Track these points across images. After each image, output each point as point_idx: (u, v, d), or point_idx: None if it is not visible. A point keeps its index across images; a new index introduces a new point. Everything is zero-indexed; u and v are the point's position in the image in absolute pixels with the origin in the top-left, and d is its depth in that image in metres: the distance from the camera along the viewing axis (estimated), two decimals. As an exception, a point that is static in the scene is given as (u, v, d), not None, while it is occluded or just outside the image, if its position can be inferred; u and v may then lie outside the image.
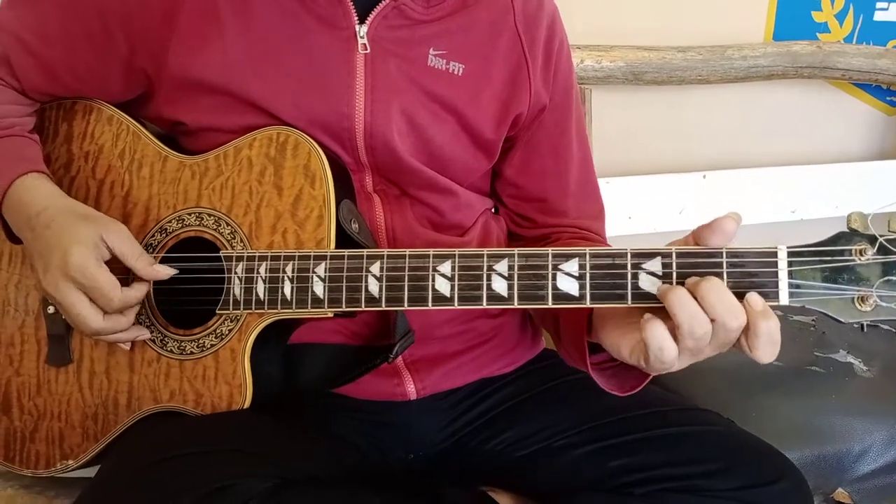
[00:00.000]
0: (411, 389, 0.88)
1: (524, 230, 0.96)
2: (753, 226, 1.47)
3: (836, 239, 0.63)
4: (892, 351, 1.24)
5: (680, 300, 0.62)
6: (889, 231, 0.62)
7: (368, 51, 0.82)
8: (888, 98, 1.81)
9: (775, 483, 0.80)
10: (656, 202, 1.40)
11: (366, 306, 0.74)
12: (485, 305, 0.70)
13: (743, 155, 1.64)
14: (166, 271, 0.78)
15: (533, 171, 0.94)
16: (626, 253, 0.67)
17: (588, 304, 0.67)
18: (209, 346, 0.80)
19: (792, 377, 1.16)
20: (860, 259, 0.62)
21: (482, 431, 0.91)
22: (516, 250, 0.70)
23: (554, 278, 0.68)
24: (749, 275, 0.63)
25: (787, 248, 0.63)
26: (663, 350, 0.62)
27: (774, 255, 0.63)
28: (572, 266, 0.68)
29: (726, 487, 0.79)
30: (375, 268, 0.74)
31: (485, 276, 0.70)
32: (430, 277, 0.72)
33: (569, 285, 0.68)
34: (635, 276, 0.66)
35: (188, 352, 0.81)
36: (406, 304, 0.72)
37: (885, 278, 0.61)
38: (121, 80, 0.85)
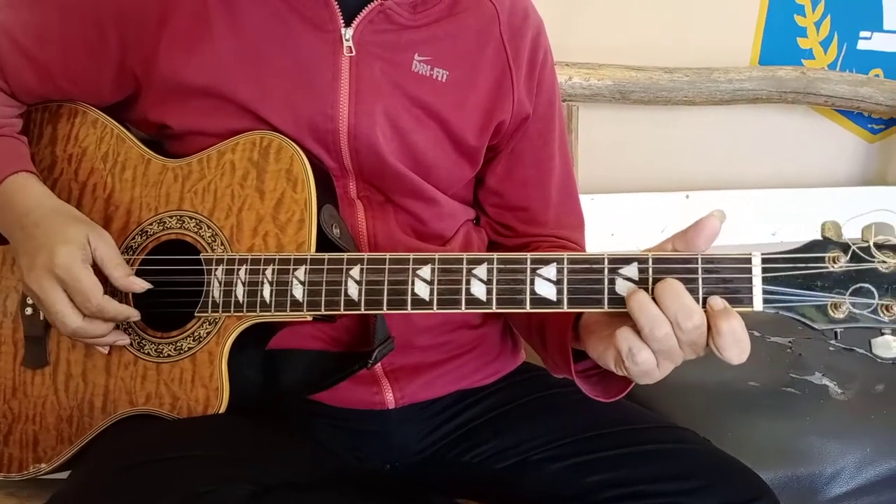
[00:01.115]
0: (390, 398, 0.88)
1: (505, 239, 0.97)
2: (734, 246, 1.48)
3: (810, 246, 0.64)
4: (867, 374, 1.24)
5: (640, 304, 0.63)
6: (862, 240, 0.63)
7: (354, 54, 0.83)
8: (869, 125, 1.84)
9: (751, 502, 0.80)
10: (639, 220, 1.41)
11: (345, 310, 0.74)
12: (463, 310, 0.70)
13: (726, 176, 1.66)
14: (141, 284, 0.79)
15: (515, 181, 0.95)
16: (604, 258, 0.67)
17: (566, 308, 0.67)
18: (186, 349, 0.80)
19: (768, 398, 1.17)
20: (833, 266, 0.63)
21: (461, 443, 0.91)
22: (495, 255, 0.70)
23: (532, 283, 0.69)
24: (724, 280, 0.64)
25: (762, 254, 0.64)
26: (633, 352, 0.63)
27: (749, 261, 0.64)
28: (550, 271, 0.68)
29: None
30: (355, 271, 0.74)
31: (464, 280, 0.71)
32: (410, 281, 0.72)
33: (547, 290, 0.68)
34: (612, 282, 0.67)
35: (165, 355, 0.80)
36: (385, 308, 0.73)
37: (858, 286, 0.62)
38: (112, 81, 0.85)
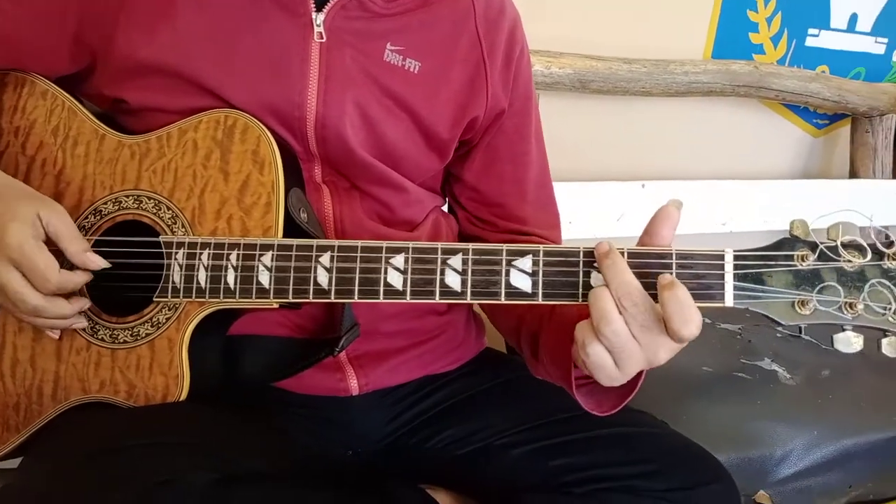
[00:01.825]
0: (354, 385, 0.86)
1: (485, 232, 0.96)
2: (686, 236, 1.52)
3: (780, 244, 0.66)
4: (814, 361, 1.30)
5: (594, 296, 0.63)
6: (828, 239, 0.65)
7: (324, 40, 0.81)
8: (815, 120, 1.90)
9: (709, 485, 0.82)
10: (596, 209, 1.43)
11: (314, 298, 0.72)
12: (437, 300, 0.69)
13: (680, 167, 1.69)
14: (99, 262, 0.75)
15: (492, 176, 0.94)
16: (579, 251, 0.67)
17: (540, 300, 0.68)
18: (144, 335, 0.77)
19: (720, 383, 1.21)
20: (801, 265, 0.64)
21: (423, 429, 0.91)
22: (471, 245, 0.70)
23: (507, 274, 0.68)
24: (697, 276, 0.65)
25: (734, 251, 0.65)
26: (585, 343, 0.64)
27: (721, 257, 0.65)
28: (526, 262, 0.68)
29: (663, 488, 0.81)
30: (325, 259, 0.72)
31: (438, 269, 0.70)
32: (383, 270, 0.71)
33: (522, 281, 0.68)
34: (587, 275, 0.67)
35: (121, 340, 0.77)
36: (357, 297, 0.71)
37: (825, 284, 0.64)
38: (67, 54, 0.82)
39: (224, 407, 0.78)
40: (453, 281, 0.70)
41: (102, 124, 0.82)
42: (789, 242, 0.66)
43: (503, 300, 0.68)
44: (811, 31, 1.75)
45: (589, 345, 0.64)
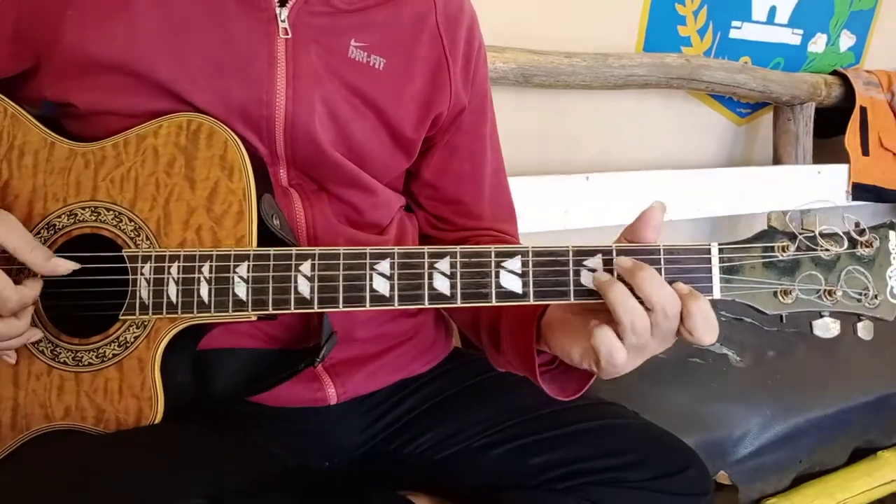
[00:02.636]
0: (332, 394, 0.84)
1: (442, 233, 0.95)
2: (625, 226, 1.55)
3: (760, 236, 0.68)
4: (758, 343, 1.35)
5: (619, 297, 0.63)
6: (804, 229, 0.68)
7: (290, 36, 0.78)
8: (738, 109, 1.98)
9: (684, 472, 0.84)
10: (543, 202, 1.44)
11: (296, 308, 0.70)
12: (426, 305, 0.68)
13: (620, 159, 1.73)
14: (67, 265, 0.70)
15: (450, 174, 0.93)
16: (568, 250, 0.68)
17: (532, 301, 0.67)
18: (111, 355, 0.72)
19: (676, 369, 1.24)
20: (782, 255, 0.67)
21: (400, 435, 0.90)
22: (458, 248, 0.69)
23: (497, 276, 0.68)
24: (684, 270, 0.66)
25: (718, 244, 0.67)
26: (613, 354, 0.63)
27: (708, 251, 0.67)
28: (515, 264, 0.68)
29: (642, 478, 0.83)
30: (306, 267, 0.70)
31: (426, 274, 0.69)
32: (368, 277, 0.69)
33: (512, 283, 0.68)
34: (577, 273, 0.67)
35: (85, 363, 0.73)
36: (342, 306, 0.69)
37: (806, 273, 0.66)
38: (6, 52, 0.76)
39: (195, 425, 0.75)
40: (442, 285, 0.68)
41: (50, 131, 0.77)
42: (769, 234, 0.68)
43: (494, 302, 0.68)
44: (734, 23, 1.81)
45: (618, 353, 0.63)
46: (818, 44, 2.02)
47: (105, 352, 0.72)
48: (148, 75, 0.74)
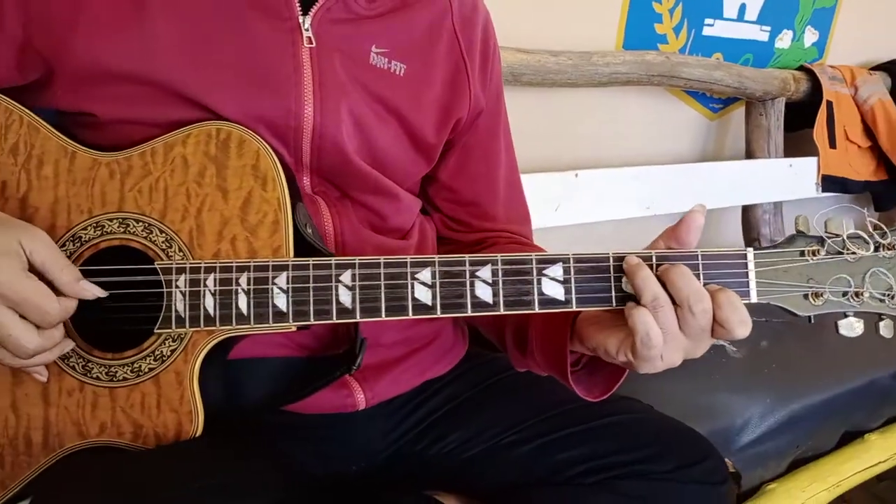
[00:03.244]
0: (360, 399, 0.85)
1: (459, 234, 0.96)
2: (616, 222, 1.59)
3: (791, 240, 0.70)
4: (751, 333, 1.40)
5: (644, 280, 0.65)
6: (829, 233, 0.71)
7: (314, 45, 0.77)
8: (711, 104, 2.03)
9: (702, 462, 0.87)
10: (535, 199, 1.44)
11: (338, 318, 0.70)
12: (469, 313, 0.69)
13: (604, 155, 1.76)
14: (94, 290, 0.69)
15: (467, 175, 0.95)
16: (609, 256, 0.69)
17: (574, 307, 0.69)
18: (147, 370, 0.72)
19: (678, 360, 1.28)
20: (812, 259, 0.70)
21: (425, 437, 0.91)
22: (499, 256, 0.70)
23: (539, 283, 0.69)
24: (722, 275, 0.69)
25: (753, 250, 0.70)
26: (649, 334, 0.65)
27: (744, 256, 0.69)
28: (557, 271, 0.69)
29: (665, 469, 0.85)
30: (346, 277, 0.70)
31: (468, 282, 0.70)
32: (409, 286, 0.70)
33: (554, 290, 0.69)
34: (618, 280, 0.69)
35: (119, 377, 0.72)
36: (384, 315, 0.70)
37: (835, 276, 0.69)
38: (14, 63, 0.74)
39: (224, 438, 0.74)
40: (484, 293, 0.70)
41: (70, 140, 0.75)
42: (799, 238, 0.71)
43: (537, 309, 0.69)
44: (707, 20, 1.86)
45: (655, 336, 0.65)
46: (784, 40, 2.09)
47: (140, 366, 0.72)
48: (169, 86, 0.73)
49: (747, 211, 2.05)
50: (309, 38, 0.77)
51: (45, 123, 0.75)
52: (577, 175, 1.51)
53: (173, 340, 0.72)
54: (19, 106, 0.75)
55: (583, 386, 0.78)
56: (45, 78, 0.75)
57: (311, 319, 0.70)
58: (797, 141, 2.13)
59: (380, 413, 0.88)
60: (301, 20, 0.77)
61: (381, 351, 0.87)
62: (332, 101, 0.78)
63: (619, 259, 0.69)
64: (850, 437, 1.38)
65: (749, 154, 1.99)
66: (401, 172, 0.87)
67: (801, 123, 2.12)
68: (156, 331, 0.71)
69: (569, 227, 1.50)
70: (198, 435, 0.71)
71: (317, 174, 0.82)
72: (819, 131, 2.07)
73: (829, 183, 2.08)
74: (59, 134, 0.75)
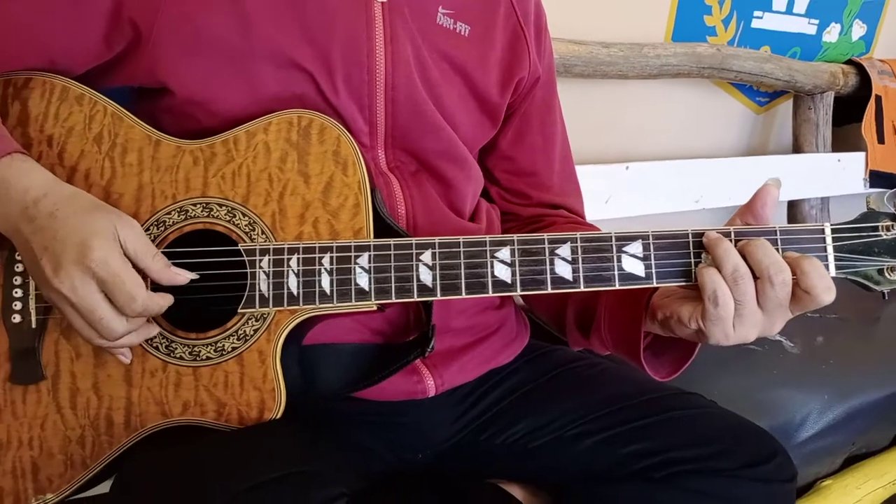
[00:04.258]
0: (430, 385, 0.88)
1: (517, 207, 1.01)
2: (666, 215, 1.60)
3: (865, 217, 0.73)
4: (806, 329, 1.42)
5: (726, 251, 0.68)
6: (897, 209, 0.73)
7: (386, 0, 0.82)
8: (757, 98, 2.05)
9: (772, 459, 0.86)
10: (584, 191, 1.47)
11: (418, 296, 0.73)
12: (549, 290, 0.72)
13: (653, 148, 1.78)
14: (186, 275, 0.73)
15: (525, 144, 0.99)
16: (687, 233, 0.72)
17: (655, 283, 0.72)
18: (230, 349, 0.75)
19: (736, 355, 1.30)
20: (886, 235, 0.72)
21: (490, 426, 0.93)
22: (578, 234, 0.73)
23: (619, 260, 0.72)
24: (801, 251, 0.71)
25: (830, 225, 0.72)
26: (717, 294, 0.67)
27: (822, 231, 0.72)
28: (637, 248, 0.72)
29: (733, 466, 0.85)
30: (426, 256, 0.74)
31: (547, 260, 0.73)
32: (489, 264, 0.73)
33: (634, 266, 0.72)
34: (697, 256, 0.72)
35: (203, 357, 0.75)
36: (464, 293, 0.73)
37: (910, 250, 0.71)
38: (100, 34, 0.78)
39: (300, 425, 0.77)
40: (564, 270, 0.73)
41: (154, 129, 0.79)
42: (873, 215, 0.73)
43: (616, 286, 0.72)
44: (756, 13, 1.88)
45: (724, 295, 0.67)
46: (832, 33, 2.10)
47: (224, 345, 0.75)
48: (259, 47, 0.77)
49: (793, 206, 2.05)
50: None
51: (128, 113, 0.80)
52: (627, 168, 1.53)
53: (256, 320, 0.75)
54: (103, 97, 0.80)
55: (650, 366, 0.81)
56: (130, 49, 0.79)
57: (393, 298, 0.74)
58: (844, 135, 2.14)
59: (446, 402, 0.91)
60: None
61: (449, 338, 0.90)
62: (402, 55, 0.83)
63: (698, 235, 0.72)
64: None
65: (796, 148, 2.00)
66: (470, 134, 0.91)
67: (848, 118, 2.12)
68: (239, 311, 0.75)
69: (619, 220, 1.52)
70: (279, 414, 0.74)
71: (391, 143, 0.85)
72: (867, 126, 2.08)
73: (877, 178, 2.08)
74: (142, 123, 0.79)
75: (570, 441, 0.91)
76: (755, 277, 0.68)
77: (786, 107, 2.08)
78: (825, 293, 0.67)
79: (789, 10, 1.95)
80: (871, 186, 2.09)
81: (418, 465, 0.91)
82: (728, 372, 1.25)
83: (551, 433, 0.91)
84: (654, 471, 0.86)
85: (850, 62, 2.10)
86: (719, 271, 0.68)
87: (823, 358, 1.34)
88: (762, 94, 2.04)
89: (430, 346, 0.79)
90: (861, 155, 2.06)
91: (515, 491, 0.93)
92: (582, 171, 1.48)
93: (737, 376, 1.25)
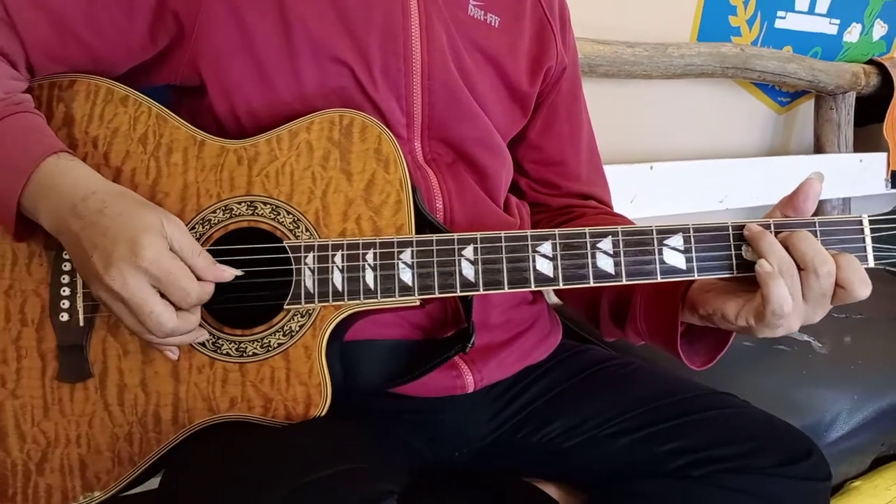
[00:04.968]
0: (469, 381, 0.89)
1: (546, 197, 1.04)
2: (690, 215, 1.62)
3: (903, 207, 0.75)
4: (833, 329, 1.43)
5: (771, 245, 0.70)
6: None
7: None
8: (779, 98, 2.07)
9: (807, 458, 0.87)
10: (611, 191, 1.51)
11: (461, 291, 0.76)
12: (591, 283, 0.74)
13: (674, 147, 1.81)
14: (230, 271, 0.75)
15: (553, 134, 1.03)
16: (728, 226, 0.74)
17: (696, 276, 0.74)
18: (276, 345, 0.77)
19: (765, 355, 1.31)
20: (925, 225, 0.73)
21: (527, 424, 0.95)
22: (619, 228, 0.75)
23: (661, 253, 0.74)
24: (840, 241, 0.73)
25: (868, 216, 0.74)
26: (783, 307, 0.69)
27: (860, 222, 0.74)
28: (678, 241, 0.74)
29: (769, 465, 0.86)
30: (468, 251, 0.76)
31: (589, 254, 0.75)
32: (531, 259, 0.75)
33: (676, 259, 0.74)
34: (738, 248, 0.74)
35: (249, 353, 0.78)
36: (506, 287, 0.75)
37: (950, 240, 0.73)
38: (145, 31, 0.81)
39: (343, 422, 0.78)
40: (605, 263, 0.75)
41: (199, 130, 0.82)
42: (910, 206, 0.75)
43: (658, 279, 0.74)
44: (779, 13, 1.91)
45: (785, 300, 0.69)
46: (853, 33, 2.12)
47: (270, 341, 0.77)
48: (300, 37, 0.81)
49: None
50: None
51: (172, 114, 0.83)
52: (651, 167, 1.55)
53: (301, 316, 0.77)
54: (147, 98, 0.83)
55: (685, 355, 0.83)
56: (173, 44, 0.82)
57: (436, 293, 0.76)
58: (866, 136, 2.15)
59: (484, 399, 0.93)
60: None
61: (487, 334, 0.92)
62: (437, 43, 0.86)
63: (739, 228, 0.74)
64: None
65: (818, 148, 2.02)
66: (501, 124, 0.95)
67: (869, 118, 2.14)
68: (285, 307, 0.77)
69: (644, 220, 1.53)
70: (325, 410, 0.76)
71: (428, 134, 0.88)
72: (890, 126, 2.09)
73: (899, 179, 2.10)
74: (186, 123, 0.82)
75: (605, 440, 0.92)
76: (799, 269, 0.70)
77: (807, 107, 2.10)
78: (861, 286, 0.70)
79: (811, 10, 1.97)
80: (893, 187, 2.10)
81: (455, 464, 0.93)
82: (758, 373, 1.26)
83: (587, 432, 0.93)
84: (692, 468, 0.88)
85: (871, 62, 2.12)
86: (766, 255, 0.70)
87: (852, 358, 1.35)
88: (784, 94, 2.06)
89: (471, 342, 0.82)
90: (883, 155, 2.08)
91: (551, 490, 0.94)
92: (607, 171, 1.50)
93: (766, 377, 1.26)
